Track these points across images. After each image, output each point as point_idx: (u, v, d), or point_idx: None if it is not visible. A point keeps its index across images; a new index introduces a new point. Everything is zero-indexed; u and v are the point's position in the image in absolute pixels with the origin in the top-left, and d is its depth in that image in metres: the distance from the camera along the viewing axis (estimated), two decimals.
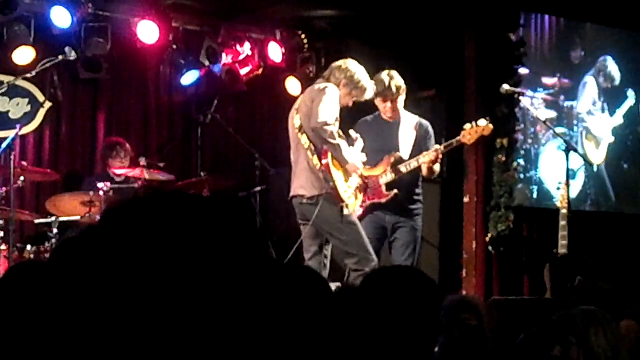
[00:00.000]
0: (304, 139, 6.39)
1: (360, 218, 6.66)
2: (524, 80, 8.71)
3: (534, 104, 8.86)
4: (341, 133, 6.51)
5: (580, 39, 9.55)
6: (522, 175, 8.91)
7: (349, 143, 6.55)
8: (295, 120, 6.49)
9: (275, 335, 0.90)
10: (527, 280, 8.80)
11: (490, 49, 8.66)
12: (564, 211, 7.02)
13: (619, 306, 4.25)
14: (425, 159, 6.58)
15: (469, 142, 6.77)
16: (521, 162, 8.88)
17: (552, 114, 9.16)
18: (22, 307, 1.90)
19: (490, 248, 8.61)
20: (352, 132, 6.75)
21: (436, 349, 4.09)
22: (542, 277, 7.21)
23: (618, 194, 9.69)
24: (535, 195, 9.09)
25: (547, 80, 9.25)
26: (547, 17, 9.31)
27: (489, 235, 8.58)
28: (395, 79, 6.71)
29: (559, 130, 8.72)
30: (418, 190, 6.78)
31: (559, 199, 7.16)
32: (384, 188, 6.62)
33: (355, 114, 7.06)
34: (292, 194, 6.48)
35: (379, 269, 3.72)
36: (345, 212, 6.34)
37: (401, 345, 2.66)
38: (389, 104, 6.73)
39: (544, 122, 7.29)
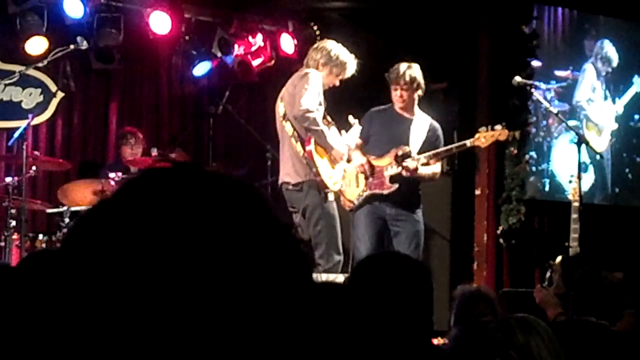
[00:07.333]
0: (288, 127, 6.40)
1: (359, 206, 6.63)
2: (536, 73, 8.68)
3: (546, 96, 8.82)
4: (329, 119, 6.50)
5: (596, 31, 9.50)
6: (533, 168, 8.88)
7: (344, 128, 6.54)
8: (279, 108, 6.51)
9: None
10: (538, 273, 8.78)
11: (502, 41, 8.64)
12: (576, 204, 6.99)
13: (624, 299, 4.23)
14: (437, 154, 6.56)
15: (483, 145, 6.76)
16: (533, 154, 8.85)
17: (565, 107, 9.13)
18: (36, 296, 1.91)
19: (501, 241, 8.59)
20: (350, 118, 6.74)
21: (446, 341, 4.10)
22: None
23: (632, 187, 9.65)
24: (547, 188, 9.06)
25: (560, 73, 9.22)
26: (559, 9, 9.28)
27: (500, 227, 8.57)
28: (412, 70, 6.62)
29: (572, 123, 8.69)
30: (420, 185, 6.74)
31: (571, 192, 7.13)
32: (387, 179, 6.58)
33: (369, 102, 7.05)
34: (279, 181, 6.52)
35: (369, 255, 3.69)
36: (330, 197, 6.34)
37: (393, 330, 2.66)
38: (398, 92, 6.65)
39: (556, 115, 7.26)
